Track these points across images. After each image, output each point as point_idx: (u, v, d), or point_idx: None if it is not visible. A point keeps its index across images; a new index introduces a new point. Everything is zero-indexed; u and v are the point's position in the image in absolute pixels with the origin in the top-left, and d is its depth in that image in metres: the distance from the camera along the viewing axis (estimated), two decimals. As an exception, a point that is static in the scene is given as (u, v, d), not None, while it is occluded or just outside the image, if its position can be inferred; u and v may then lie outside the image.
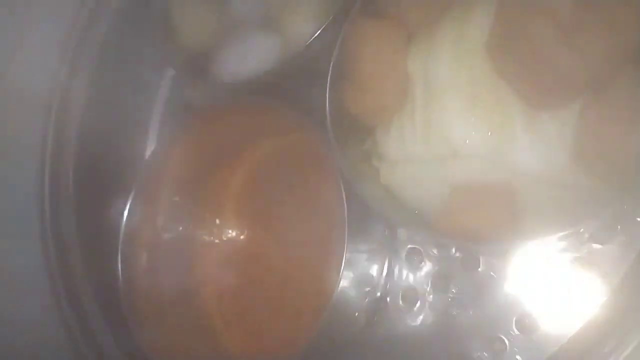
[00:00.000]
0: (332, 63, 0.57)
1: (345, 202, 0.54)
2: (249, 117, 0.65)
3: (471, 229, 0.49)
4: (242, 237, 0.68)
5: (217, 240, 0.68)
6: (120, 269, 0.61)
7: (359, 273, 0.59)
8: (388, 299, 0.63)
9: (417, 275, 0.63)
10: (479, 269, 0.60)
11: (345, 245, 0.53)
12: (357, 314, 0.61)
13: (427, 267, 0.62)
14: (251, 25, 0.66)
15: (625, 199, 0.47)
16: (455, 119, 0.48)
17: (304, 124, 0.59)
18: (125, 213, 0.62)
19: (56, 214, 0.65)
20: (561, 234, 0.46)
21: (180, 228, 0.66)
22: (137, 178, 0.66)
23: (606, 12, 0.41)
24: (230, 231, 0.68)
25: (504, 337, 0.57)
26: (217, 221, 0.68)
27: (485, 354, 0.58)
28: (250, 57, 0.64)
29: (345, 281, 0.55)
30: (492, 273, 0.59)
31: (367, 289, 0.61)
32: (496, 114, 0.47)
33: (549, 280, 0.57)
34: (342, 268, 0.53)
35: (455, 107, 0.49)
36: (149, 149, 0.74)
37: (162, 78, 0.77)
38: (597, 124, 0.44)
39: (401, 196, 0.55)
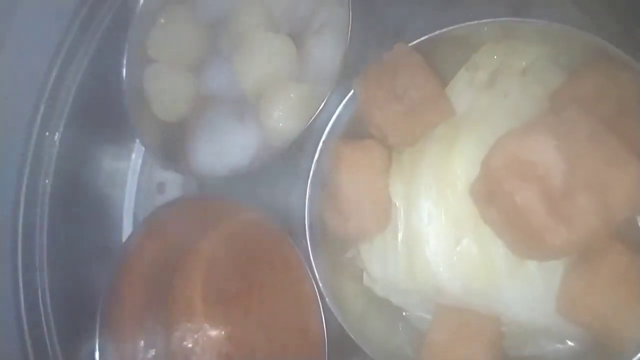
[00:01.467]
0: (311, 172, 0.54)
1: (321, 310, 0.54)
2: (216, 211, 0.62)
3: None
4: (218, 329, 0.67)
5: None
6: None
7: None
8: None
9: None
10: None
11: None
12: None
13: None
14: (228, 113, 0.63)
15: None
16: (438, 262, 0.47)
17: (276, 228, 0.57)
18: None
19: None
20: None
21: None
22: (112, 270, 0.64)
23: (598, 188, 0.39)
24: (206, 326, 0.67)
25: None
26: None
27: None
28: (226, 152, 0.61)
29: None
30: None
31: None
32: (480, 260, 0.46)
33: None
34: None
35: (438, 248, 0.47)
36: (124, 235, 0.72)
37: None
38: (581, 286, 0.42)
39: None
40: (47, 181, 0.67)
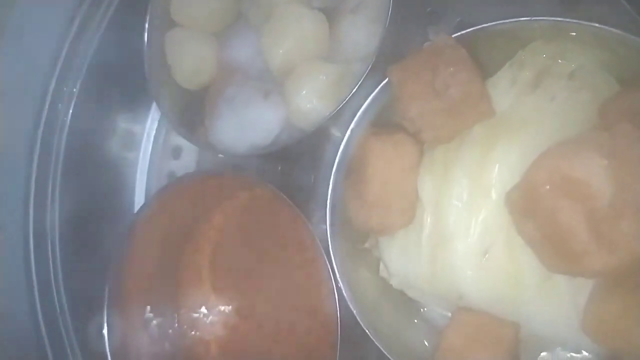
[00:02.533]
0: (337, 158, 0.52)
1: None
2: (229, 186, 0.61)
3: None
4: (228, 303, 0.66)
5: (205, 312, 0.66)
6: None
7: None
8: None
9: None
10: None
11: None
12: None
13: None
14: (253, 88, 0.60)
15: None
16: (464, 268, 0.46)
17: (291, 207, 0.56)
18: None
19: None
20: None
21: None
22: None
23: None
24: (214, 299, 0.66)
25: None
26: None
27: None
28: (248, 130, 0.58)
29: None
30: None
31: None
32: (508, 271, 0.45)
33: None
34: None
35: (466, 254, 0.46)
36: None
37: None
38: (615, 309, 0.41)
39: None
40: (61, 139, 0.65)
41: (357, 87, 0.53)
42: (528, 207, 0.41)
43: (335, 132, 0.56)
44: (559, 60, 0.48)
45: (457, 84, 0.46)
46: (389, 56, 0.53)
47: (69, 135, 0.65)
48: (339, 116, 0.54)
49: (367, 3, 0.58)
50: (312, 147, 0.58)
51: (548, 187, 0.39)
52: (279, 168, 0.60)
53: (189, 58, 0.66)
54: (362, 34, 0.58)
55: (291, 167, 0.61)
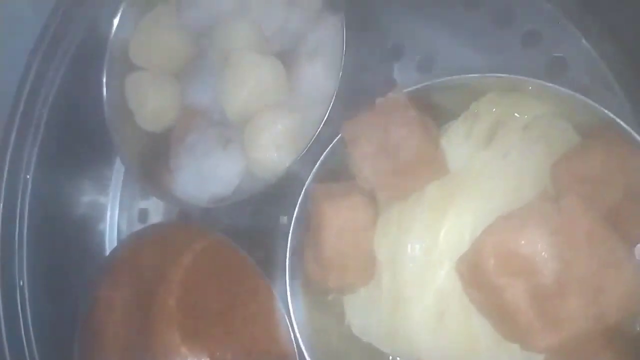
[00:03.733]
0: (295, 214, 0.52)
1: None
2: (185, 237, 0.60)
3: None
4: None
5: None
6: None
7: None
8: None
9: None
10: None
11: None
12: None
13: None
14: (213, 137, 0.59)
15: None
16: (421, 331, 0.45)
17: (245, 258, 0.56)
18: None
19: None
20: None
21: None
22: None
23: (591, 290, 0.37)
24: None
25: None
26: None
27: None
28: (209, 181, 0.58)
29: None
30: None
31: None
32: (464, 334, 0.44)
33: None
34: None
35: (422, 317, 0.45)
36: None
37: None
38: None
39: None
40: (25, 204, 0.64)
41: (316, 134, 0.52)
42: (475, 280, 0.40)
43: (295, 183, 0.55)
44: (515, 114, 0.47)
45: (409, 148, 0.45)
46: (354, 95, 0.53)
47: (32, 196, 0.64)
48: (300, 165, 0.54)
49: (323, 48, 0.57)
50: (273, 198, 0.57)
51: (493, 262, 0.38)
52: (240, 219, 0.59)
53: (151, 101, 0.65)
54: (319, 78, 0.57)
55: (254, 218, 0.60)
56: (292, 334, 0.52)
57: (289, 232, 0.52)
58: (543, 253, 0.37)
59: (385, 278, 0.48)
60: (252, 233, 0.59)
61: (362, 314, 0.51)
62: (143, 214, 0.73)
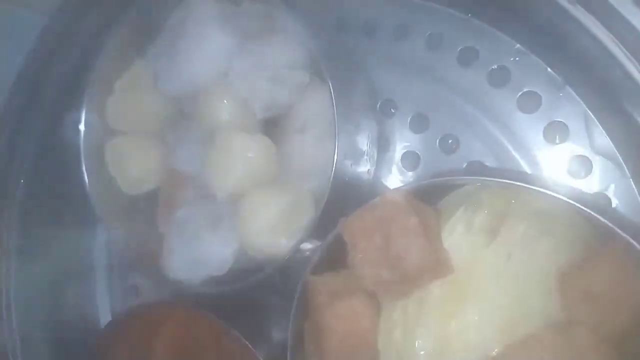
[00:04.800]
0: (294, 308, 0.51)
1: None
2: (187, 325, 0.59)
3: None
4: None
5: None
6: None
7: None
8: None
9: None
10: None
11: None
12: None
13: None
14: (203, 215, 0.57)
15: None
16: None
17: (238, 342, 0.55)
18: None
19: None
20: None
21: None
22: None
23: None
24: None
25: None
26: None
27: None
28: (200, 263, 0.56)
29: None
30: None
31: None
32: None
33: None
34: None
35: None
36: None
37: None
38: None
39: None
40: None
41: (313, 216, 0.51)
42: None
43: (294, 269, 0.53)
44: (515, 206, 0.46)
45: (411, 259, 0.43)
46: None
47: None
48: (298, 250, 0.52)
49: (314, 121, 0.54)
50: (270, 283, 0.56)
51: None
52: (237, 304, 0.58)
53: (133, 164, 0.62)
54: (312, 152, 0.55)
55: (251, 304, 0.58)
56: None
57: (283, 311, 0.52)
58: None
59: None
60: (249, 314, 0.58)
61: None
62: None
